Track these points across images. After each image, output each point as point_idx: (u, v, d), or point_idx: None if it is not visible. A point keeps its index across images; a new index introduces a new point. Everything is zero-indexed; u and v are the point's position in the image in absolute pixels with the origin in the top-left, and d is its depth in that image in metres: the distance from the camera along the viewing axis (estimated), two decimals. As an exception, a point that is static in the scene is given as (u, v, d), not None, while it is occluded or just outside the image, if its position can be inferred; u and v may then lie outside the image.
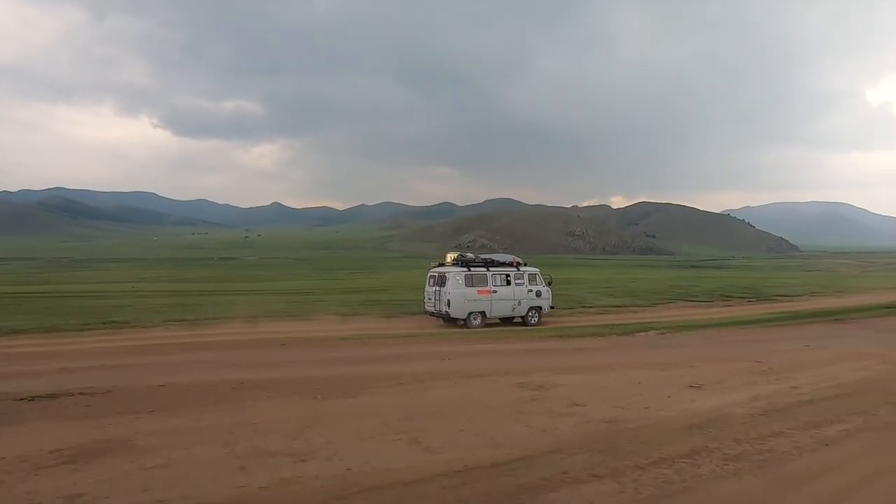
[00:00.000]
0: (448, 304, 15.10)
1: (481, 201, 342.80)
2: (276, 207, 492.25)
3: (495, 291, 15.69)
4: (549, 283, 17.10)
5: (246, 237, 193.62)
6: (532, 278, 16.53)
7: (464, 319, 15.29)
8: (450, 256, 16.58)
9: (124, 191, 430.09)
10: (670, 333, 14.75)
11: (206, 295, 24.15)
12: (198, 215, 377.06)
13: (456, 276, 15.31)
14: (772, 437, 5.29)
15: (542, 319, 16.82)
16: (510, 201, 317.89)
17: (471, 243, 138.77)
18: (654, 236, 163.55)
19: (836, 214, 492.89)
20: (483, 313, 15.58)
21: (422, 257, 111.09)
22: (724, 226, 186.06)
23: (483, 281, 15.61)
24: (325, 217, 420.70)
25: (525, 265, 16.82)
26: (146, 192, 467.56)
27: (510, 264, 16.57)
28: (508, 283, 16.00)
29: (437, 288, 15.59)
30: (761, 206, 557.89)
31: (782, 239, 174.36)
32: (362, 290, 26.52)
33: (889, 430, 5.83)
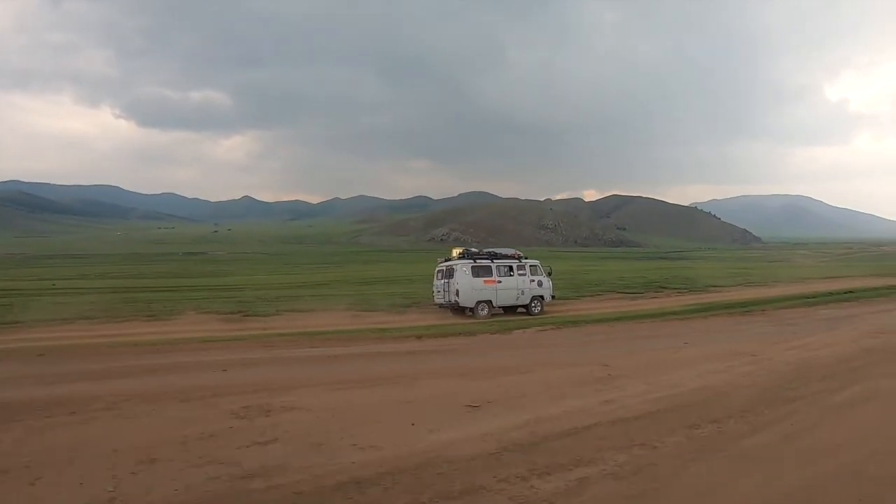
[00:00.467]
0: (457, 294, 16.00)
1: (456, 195, 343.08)
2: (248, 201, 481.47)
3: (500, 282, 16.72)
4: (549, 274, 18.03)
5: (215, 232, 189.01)
6: (533, 269, 17.52)
7: (472, 308, 16.25)
8: (455, 251, 17.56)
9: (86, 184, 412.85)
10: (556, 330, 13.40)
11: (130, 292, 23.24)
12: (165, 209, 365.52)
13: (463, 268, 16.32)
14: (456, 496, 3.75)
15: (545, 309, 17.72)
16: (485, 194, 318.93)
17: (444, 237, 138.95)
18: (624, 229, 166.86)
19: (797, 207, 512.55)
20: (489, 302, 16.61)
21: (394, 251, 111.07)
22: (692, 218, 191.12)
23: (488, 272, 16.65)
24: (298, 211, 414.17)
25: (525, 257, 17.87)
26: (110, 186, 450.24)
27: (512, 256, 17.60)
28: (511, 273, 17.03)
29: (446, 280, 16.51)
30: (727, 198, 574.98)
31: (746, 231, 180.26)
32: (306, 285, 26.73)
33: (660, 464, 4.29)
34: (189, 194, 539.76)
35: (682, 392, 6.68)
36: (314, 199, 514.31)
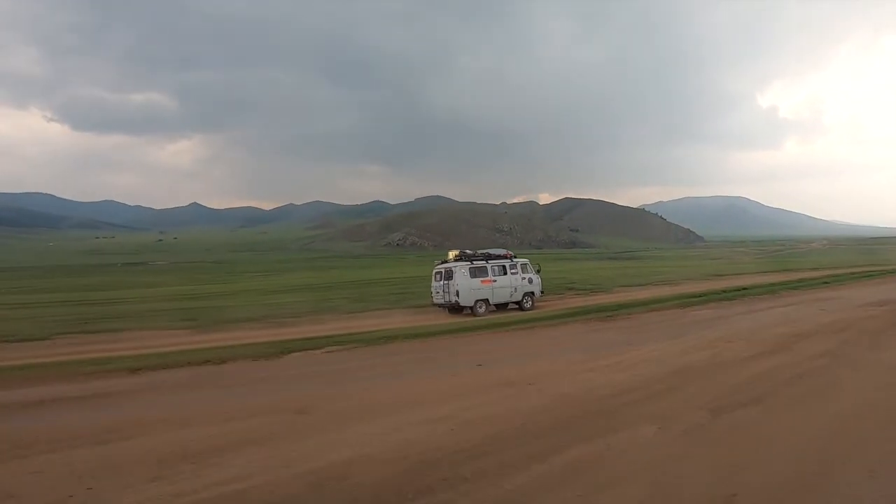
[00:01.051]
0: (457, 295, 16.88)
1: (413, 199, 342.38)
2: (195, 208, 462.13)
3: (495, 281, 17.66)
4: (538, 271, 19.03)
5: (160, 240, 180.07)
6: (524, 267, 18.49)
7: (471, 307, 17.20)
8: (451, 254, 18.38)
9: (15, 192, 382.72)
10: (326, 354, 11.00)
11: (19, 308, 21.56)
12: (104, 218, 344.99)
13: (462, 269, 17.21)
14: None
15: (535, 304, 18.58)
16: (441, 198, 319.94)
17: (400, 241, 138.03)
18: (577, 230, 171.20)
19: (736, 207, 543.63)
20: (486, 300, 17.53)
21: (348, 256, 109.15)
22: (640, 219, 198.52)
23: (484, 272, 17.58)
24: (250, 217, 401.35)
25: (515, 257, 18.87)
26: (41, 193, 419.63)
27: (504, 256, 18.49)
28: (505, 272, 17.95)
29: (445, 282, 17.35)
30: (673, 200, 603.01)
31: (689, 231, 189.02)
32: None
33: None
34: (131, 202, 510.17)
35: (324, 466, 4.56)
36: (267, 206, 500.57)
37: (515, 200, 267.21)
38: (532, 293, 18.41)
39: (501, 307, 18.06)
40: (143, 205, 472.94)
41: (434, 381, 8.07)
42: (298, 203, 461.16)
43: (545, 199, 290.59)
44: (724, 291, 20.68)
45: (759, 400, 6.25)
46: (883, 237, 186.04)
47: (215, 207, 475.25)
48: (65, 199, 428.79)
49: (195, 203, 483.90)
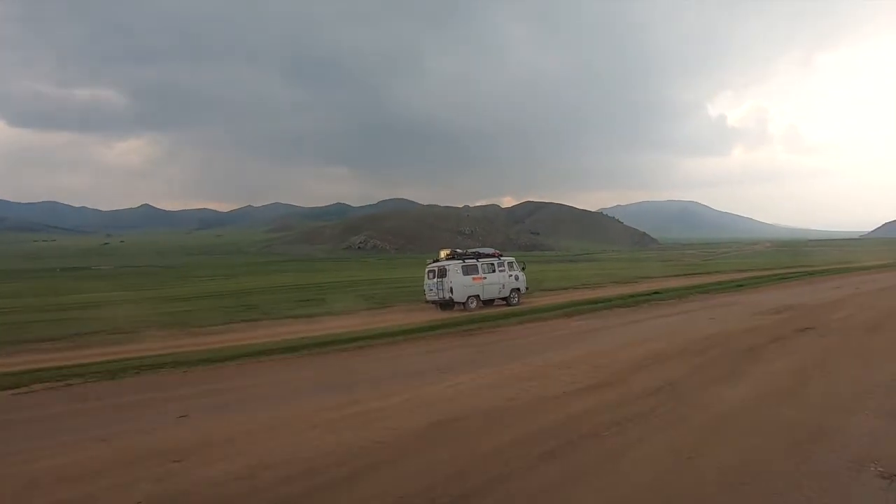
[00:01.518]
0: (451, 291, 17.70)
1: (376, 202, 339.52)
2: (147, 210, 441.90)
3: (485, 278, 18.55)
4: (523, 269, 20.03)
5: (106, 244, 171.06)
6: (510, 265, 19.46)
7: (463, 303, 17.94)
8: (443, 253, 19.17)
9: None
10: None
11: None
12: (46, 220, 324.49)
13: (455, 267, 17.97)
14: None
15: (521, 300, 19.45)
16: (405, 201, 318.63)
17: (361, 244, 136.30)
18: (538, 233, 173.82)
19: (689, 211, 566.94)
20: (477, 296, 18.37)
21: (306, 259, 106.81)
22: (598, 222, 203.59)
23: (475, 270, 18.42)
24: (205, 220, 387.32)
25: (502, 255, 19.81)
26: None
27: (493, 255, 19.40)
28: (493, 270, 18.86)
29: (439, 279, 18.09)
30: (630, 203, 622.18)
31: (645, 234, 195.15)
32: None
33: None
34: (76, 203, 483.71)
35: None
36: (224, 208, 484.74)
37: (479, 204, 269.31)
38: (518, 289, 19.39)
39: (488, 303, 18.87)
40: (90, 206, 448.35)
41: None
42: (257, 205, 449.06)
43: (508, 202, 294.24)
44: (632, 296, 19.23)
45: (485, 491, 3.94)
46: (820, 240, 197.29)
47: (168, 209, 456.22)
48: (1, 200, 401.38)
49: (146, 205, 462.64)
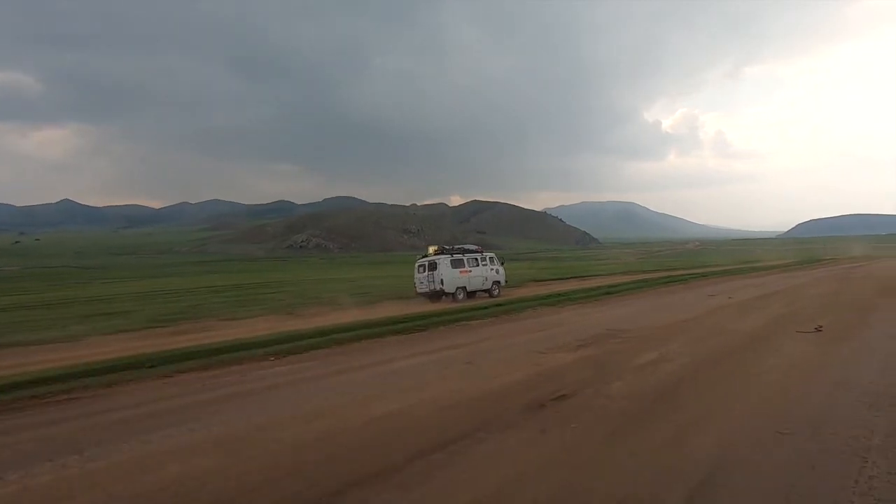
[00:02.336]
0: (442, 283, 18.96)
1: (321, 199, 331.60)
2: (67, 205, 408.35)
3: (470, 271, 19.79)
4: (503, 263, 21.43)
5: (17, 242, 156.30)
6: (492, 260, 20.74)
7: (452, 293, 19.13)
8: (431, 249, 20.29)
9: None
10: None
11: None
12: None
13: (444, 261, 19.27)
14: None
15: (501, 292, 20.35)
16: (352, 199, 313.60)
17: (304, 243, 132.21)
18: (484, 233, 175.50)
19: (628, 212, 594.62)
20: (464, 288, 19.52)
21: (244, 259, 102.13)
22: (543, 222, 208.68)
23: (462, 264, 19.66)
24: (135, 217, 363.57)
25: (483, 251, 20.91)
26: None
27: (476, 250, 20.64)
28: (477, 264, 20.11)
29: (430, 273, 19.34)
30: (573, 204, 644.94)
31: (586, 233, 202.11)
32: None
33: None
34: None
35: None
36: (157, 204, 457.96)
37: (427, 202, 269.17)
38: (498, 282, 20.77)
39: (471, 295, 19.89)
40: (1, 201, 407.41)
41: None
42: (194, 202, 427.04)
43: (456, 201, 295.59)
44: (484, 308, 14.79)
45: None
46: (741, 239, 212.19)
47: (94, 205, 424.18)
48: None
49: (67, 200, 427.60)
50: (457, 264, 19.42)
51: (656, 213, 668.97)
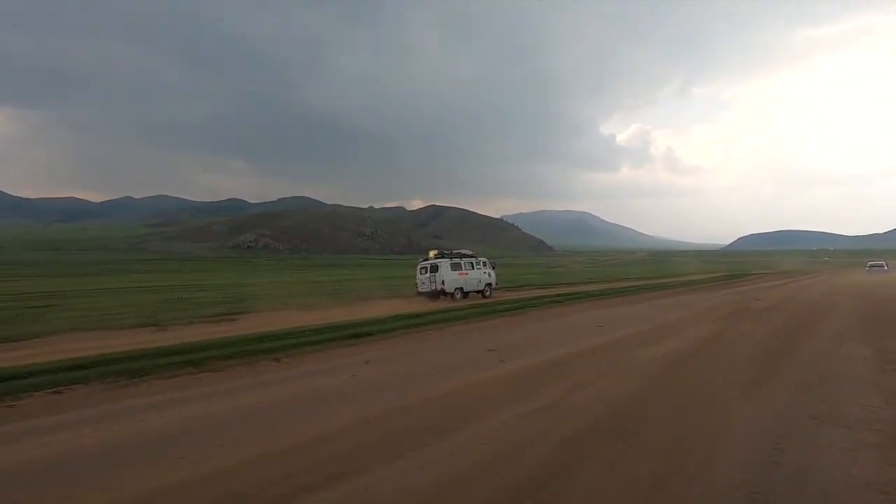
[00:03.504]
0: (443, 283, 20.73)
1: (276, 199, 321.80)
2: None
3: (467, 274, 21.65)
4: (494, 268, 23.28)
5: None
6: (485, 264, 22.67)
7: (451, 293, 20.90)
8: (432, 253, 22.06)
9: None
10: None
11: None
12: None
13: (445, 265, 21.14)
14: None
15: (493, 294, 22.17)
16: (308, 200, 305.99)
17: (252, 243, 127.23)
18: (441, 237, 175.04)
19: (582, 221, 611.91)
20: (461, 289, 21.33)
21: (185, 259, 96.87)
22: (499, 229, 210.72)
23: (459, 267, 21.53)
24: (73, 211, 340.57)
25: (477, 257, 22.68)
26: None
27: (472, 255, 22.48)
28: (473, 268, 22.04)
29: (431, 274, 21.07)
30: (531, 212, 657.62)
31: (541, 241, 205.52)
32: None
33: None
34: None
35: None
36: (97, 198, 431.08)
37: (388, 205, 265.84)
38: (490, 284, 22.57)
39: (465, 295, 21.36)
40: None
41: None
42: (139, 196, 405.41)
43: (417, 205, 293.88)
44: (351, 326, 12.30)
45: None
46: (685, 251, 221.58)
47: (26, 197, 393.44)
48: None
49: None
50: (455, 267, 21.40)
51: (609, 223, 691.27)
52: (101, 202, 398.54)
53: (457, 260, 21.61)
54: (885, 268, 43.55)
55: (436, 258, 21.53)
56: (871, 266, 44.73)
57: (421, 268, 21.72)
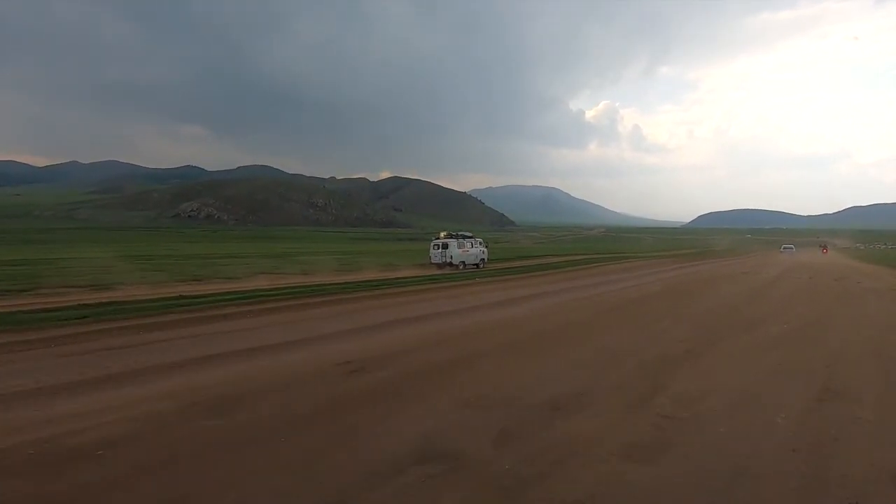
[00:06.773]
0: (451, 258, 25.80)
1: (235, 167, 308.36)
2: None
3: (468, 250, 26.82)
4: (486, 246, 29.03)
5: None
6: (480, 243, 28.07)
7: (457, 265, 25.75)
8: (443, 234, 27.13)
9: None
10: None
11: None
12: None
13: (454, 243, 26.27)
14: None
15: (485, 266, 27.21)
16: (268, 168, 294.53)
17: (193, 212, 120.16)
18: (400, 210, 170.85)
19: (551, 197, 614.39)
20: (464, 262, 26.29)
21: (119, 228, 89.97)
22: (462, 203, 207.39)
23: (463, 245, 26.66)
24: (10, 175, 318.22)
25: (475, 237, 28.30)
26: None
27: (471, 237, 27.82)
28: (472, 246, 27.26)
29: (443, 250, 26.04)
30: (499, 186, 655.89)
31: (503, 215, 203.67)
32: None
33: None
34: None
35: None
36: (39, 162, 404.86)
37: (353, 176, 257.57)
38: (483, 259, 27.83)
39: (465, 266, 26.05)
40: None
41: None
42: (85, 161, 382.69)
43: (385, 176, 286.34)
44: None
45: None
46: (646, 228, 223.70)
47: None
48: None
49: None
50: (461, 245, 26.48)
51: (576, 199, 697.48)
52: (44, 167, 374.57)
53: (461, 240, 26.90)
54: (794, 250, 53.26)
55: (447, 238, 26.67)
56: (784, 248, 55.06)
57: (434, 245, 26.95)
